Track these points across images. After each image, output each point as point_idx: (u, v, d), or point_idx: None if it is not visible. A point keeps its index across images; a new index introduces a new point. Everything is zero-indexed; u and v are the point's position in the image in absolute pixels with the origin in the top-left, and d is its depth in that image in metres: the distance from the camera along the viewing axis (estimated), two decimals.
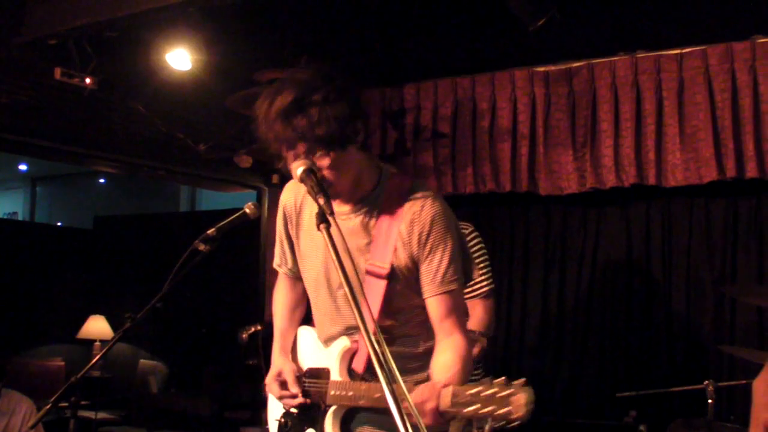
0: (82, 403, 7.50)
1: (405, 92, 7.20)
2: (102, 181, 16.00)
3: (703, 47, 6.32)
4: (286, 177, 3.17)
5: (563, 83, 6.69)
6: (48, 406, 3.09)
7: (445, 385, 2.70)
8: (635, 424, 5.72)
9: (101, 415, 8.58)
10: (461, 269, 3.19)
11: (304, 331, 3.59)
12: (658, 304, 6.63)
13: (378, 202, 3.24)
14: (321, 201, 2.73)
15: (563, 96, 6.69)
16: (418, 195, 3.18)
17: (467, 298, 4.81)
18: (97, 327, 10.06)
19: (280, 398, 3.44)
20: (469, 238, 4.88)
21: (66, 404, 5.91)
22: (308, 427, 3.33)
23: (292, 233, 3.45)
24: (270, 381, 3.46)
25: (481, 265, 4.87)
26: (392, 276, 3.16)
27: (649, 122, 6.41)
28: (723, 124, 6.21)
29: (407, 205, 3.18)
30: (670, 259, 6.66)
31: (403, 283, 3.17)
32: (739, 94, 6.21)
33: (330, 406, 3.23)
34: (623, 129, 6.48)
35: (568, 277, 6.91)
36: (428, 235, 3.14)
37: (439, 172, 7.02)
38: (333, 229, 2.66)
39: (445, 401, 2.69)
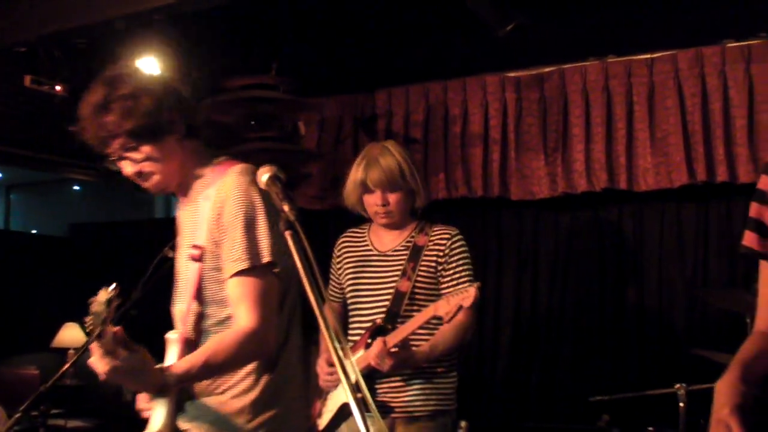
0: (54, 411, 7.41)
1: (377, 98, 7.15)
2: (76, 188, 15.87)
3: (673, 52, 6.31)
4: None
5: (534, 88, 6.67)
6: (18, 415, 3.06)
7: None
8: (608, 428, 5.69)
9: (73, 423, 8.48)
10: (258, 250, 3.11)
11: None
12: (631, 308, 6.60)
13: (204, 189, 3.25)
14: (286, 208, 2.68)
15: (534, 101, 6.66)
16: (228, 176, 3.16)
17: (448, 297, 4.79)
18: (71, 335, 9.93)
19: None
20: (450, 243, 4.83)
21: (36, 413, 5.84)
22: None
23: None
24: None
25: (465, 270, 4.83)
26: (203, 259, 3.17)
27: (620, 127, 6.39)
28: (693, 128, 6.19)
29: (215, 187, 3.17)
30: (642, 263, 6.62)
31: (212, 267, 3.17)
32: (710, 98, 6.19)
33: None
34: (594, 134, 6.46)
35: (540, 282, 6.86)
36: (223, 214, 3.13)
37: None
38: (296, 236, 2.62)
39: None
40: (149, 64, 6.48)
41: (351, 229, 5.11)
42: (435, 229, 4.88)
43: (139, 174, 3.20)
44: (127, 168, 3.17)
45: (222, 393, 3.20)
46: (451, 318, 4.45)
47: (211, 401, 3.19)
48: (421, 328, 4.58)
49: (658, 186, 6.31)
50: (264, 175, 2.83)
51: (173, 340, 3.22)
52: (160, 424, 3.12)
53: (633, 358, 6.51)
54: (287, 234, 2.60)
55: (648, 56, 6.38)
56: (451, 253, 4.78)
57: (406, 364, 4.60)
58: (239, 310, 3.09)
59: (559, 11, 6.44)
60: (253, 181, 3.12)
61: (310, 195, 7.30)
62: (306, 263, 2.48)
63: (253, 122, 6.20)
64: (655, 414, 5.71)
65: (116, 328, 2.89)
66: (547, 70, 6.66)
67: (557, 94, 6.61)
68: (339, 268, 5.04)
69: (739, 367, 2.54)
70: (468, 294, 4.43)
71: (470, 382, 6.56)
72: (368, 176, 4.72)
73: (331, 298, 5.09)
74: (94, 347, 2.83)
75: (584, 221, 6.80)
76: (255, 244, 3.10)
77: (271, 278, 3.16)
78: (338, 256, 5.06)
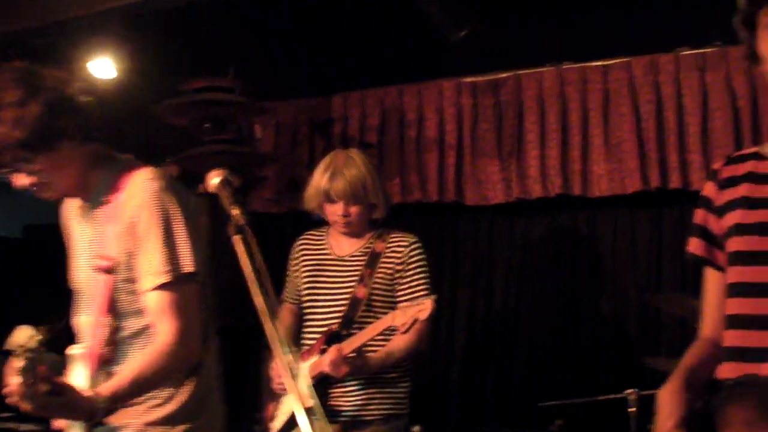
0: (5, 415, 7.32)
1: (333, 102, 7.13)
2: None
3: (628, 59, 6.33)
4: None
5: (490, 94, 6.66)
6: None
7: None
8: None
9: (26, 427, 8.39)
10: (178, 260, 3.04)
11: None
12: (584, 314, 6.60)
13: (107, 194, 3.15)
14: (235, 212, 2.66)
15: (490, 107, 6.65)
16: (138, 180, 3.08)
17: (403, 306, 4.79)
18: (25, 338, 9.87)
19: None
20: (409, 251, 4.84)
21: None
22: None
23: None
24: None
25: (421, 280, 4.83)
26: (114, 271, 3.08)
27: (575, 133, 6.40)
28: (647, 135, 6.21)
29: (125, 193, 3.09)
30: (595, 269, 6.64)
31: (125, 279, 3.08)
32: (664, 105, 6.22)
33: None
34: (549, 140, 6.46)
35: (495, 287, 6.85)
36: (138, 224, 3.05)
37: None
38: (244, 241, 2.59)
39: None
40: (105, 66, 6.44)
41: (310, 232, 5.10)
42: (393, 235, 4.89)
43: (36, 185, 3.07)
44: (22, 180, 3.04)
45: (140, 404, 3.11)
46: (407, 330, 4.46)
47: (129, 413, 3.09)
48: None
49: (611, 192, 6.33)
50: (214, 179, 2.80)
51: (78, 355, 3.12)
52: None
53: (586, 363, 6.51)
54: (237, 239, 2.57)
55: (603, 63, 6.39)
56: (408, 261, 4.79)
57: (361, 372, 4.61)
58: (161, 323, 3.01)
59: (515, 18, 6.44)
60: (167, 187, 3.07)
61: (266, 198, 7.27)
62: (255, 268, 2.45)
63: (208, 125, 6.16)
64: (607, 419, 5.74)
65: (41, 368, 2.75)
66: (503, 76, 6.65)
67: (513, 100, 6.60)
68: (296, 270, 5.03)
69: (684, 375, 2.56)
70: (424, 306, 4.44)
71: (424, 387, 6.54)
72: (332, 187, 4.72)
73: (288, 299, 5.09)
74: (14, 384, 2.71)
75: (539, 227, 6.80)
76: (175, 255, 3.02)
77: (193, 287, 3.10)
78: (295, 258, 5.06)
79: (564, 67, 6.50)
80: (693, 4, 5.88)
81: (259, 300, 2.38)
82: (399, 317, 4.47)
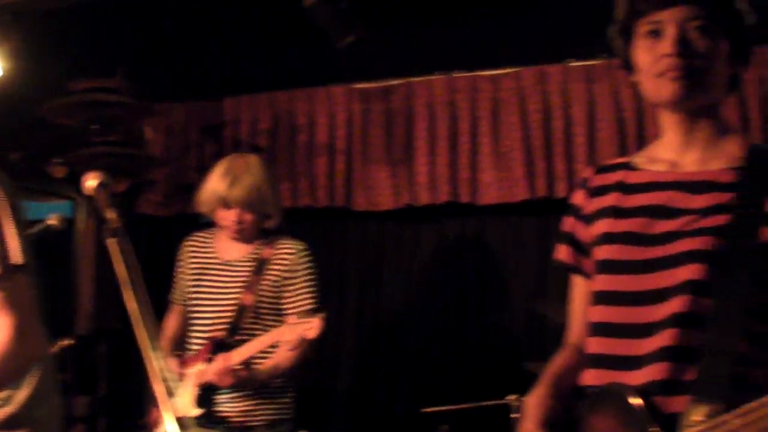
0: None
1: (224, 106, 7.05)
2: None
3: (517, 69, 6.38)
4: None
5: (381, 100, 6.66)
6: None
7: None
8: None
9: None
10: (6, 253, 2.93)
11: None
12: (471, 321, 6.62)
13: None
14: (111, 216, 2.61)
15: (380, 113, 6.64)
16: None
17: (288, 313, 4.78)
18: None
19: None
20: (296, 259, 4.88)
21: None
22: None
23: None
24: None
25: (308, 290, 4.83)
26: None
27: (464, 141, 6.41)
28: (535, 144, 6.26)
29: None
30: (483, 276, 6.67)
31: None
32: (552, 115, 6.28)
33: None
34: (438, 147, 6.47)
35: (383, 294, 6.84)
36: None
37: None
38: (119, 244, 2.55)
39: None
40: None
41: (197, 233, 5.08)
42: (282, 242, 4.90)
43: None
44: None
45: None
46: (294, 347, 4.46)
47: None
48: None
49: (499, 200, 6.36)
50: (90, 181, 2.75)
51: None
52: None
53: (472, 369, 6.53)
54: (112, 242, 2.53)
55: (493, 72, 6.44)
56: (295, 269, 4.81)
57: (247, 383, 4.61)
58: None
59: (406, 25, 6.46)
60: None
61: (155, 201, 7.17)
62: (130, 272, 2.42)
63: (96, 126, 6.06)
64: (490, 424, 5.77)
65: None
66: (393, 82, 6.66)
67: (403, 107, 6.61)
68: (182, 272, 5.00)
69: (549, 382, 2.60)
70: (312, 325, 4.45)
71: (311, 393, 6.53)
72: (230, 194, 4.71)
73: (176, 301, 5.07)
74: None
75: (427, 233, 6.80)
76: (3, 247, 2.91)
77: (26, 280, 2.97)
78: (182, 260, 5.03)
79: (454, 75, 6.52)
80: (581, 17, 5.94)
81: (131, 305, 2.34)
82: (287, 333, 4.48)
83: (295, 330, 4.47)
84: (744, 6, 2.51)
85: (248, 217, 4.77)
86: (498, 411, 5.35)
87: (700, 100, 2.47)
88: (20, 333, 2.88)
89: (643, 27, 2.46)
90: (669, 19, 2.41)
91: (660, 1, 2.42)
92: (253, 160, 4.87)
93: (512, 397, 5.23)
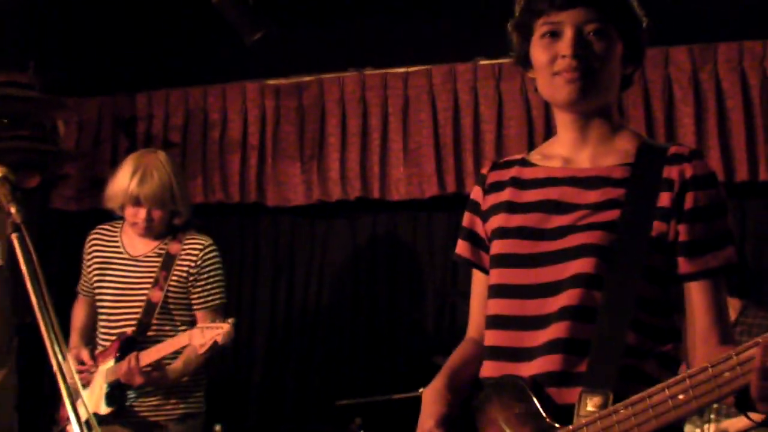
0: None
1: (137, 100, 6.99)
2: None
3: (428, 67, 6.41)
4: None
5: (293, 97, 6.65)
6: None
7: None
8: (359, 430, 5.77)
9: None
10: None
11: None
12: (382, 314, 6.66)
13: None
14: (12, 210, 2.59)
15: (293, 109, 6.63)
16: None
17: (197, 309, 4.77)
18: None
19: None
20: (203, 254, 4.82)
21: None
22: None
23: None
24: None
25: (216, 286, 4.81)
26: None
27: (375, 137, 6.44)
28: (445, 141, 6.31)
29: None
30: (394, 270, 6.70)
31: None
32: (461, 113, 6.32)
33: None
34: (350, 143, 6.49)
35: (296, 288, 6.83)
36: None
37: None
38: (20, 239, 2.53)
39: None
40: None
41: (102, 226, 5.03)
42: (188, 237, 4.86)
43: None
44: None
45: None
46: (205, 350, 4.46)
47: None
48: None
49: (410, 196, 6.40)
50: None
51: None
52: None
53: (384, 362, 6.58)
54: (13, 236, 2.51)
55: (404, 70, 6.46)
56: (203, 265, 4.77)
57: (157, 383, 4.59)
58: None
59: (319, 22, 6.47)
60: None
61: (68, 196, 7.07)
62: (30, 267, 2.40)
63: (5, 120, 5.99)
64: (402, 416, 5.79)
65: None
66: (306, 79, 6.65)
67: (315, 104, 6.61)
68: (88, 265, 4.95)
69: (447, 375, 2.62)
70: (222, 330, 4.43)
71: (225, 386, 6.53)
72: (140, 191, 4.65)
73: (82, 291, 5.03)
74: None
75: (339, 229, 6.82)
76: None
77: None
78: (87, 253, 4.98)
79: (366, 72, 6.54)
80: (491, 16, 5.98)
81: (33, 299, 2.33)
82: (197, 337, 4.45)
83: (206, 334, 4.44)
84: (639, 10, 2.54)
85: (158, 214, 4.72)
86: (410, 403, 5.36)
87: (594, 101, 2.50)
88: None
89: (541, 27, 2.48)
90: (567, 21, 2.44)
91: (559, 2, 2.44)
92: (162, 157, 4.81)
93: (422, 390, 5.22)
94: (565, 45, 2.44)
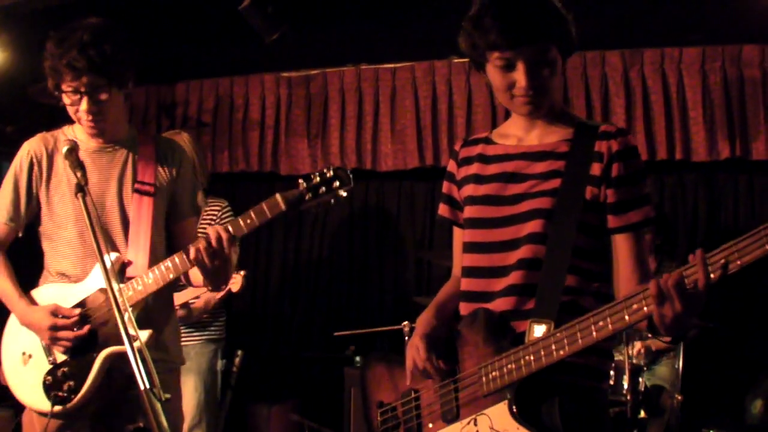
0: None
1: (176, 89, 6.99)
2: None
3: (411, 63, 6.43)
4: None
5: (302, 87, 6.66)
6: None
7: None
8: (353, 355, 5.86)
9: None
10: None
11: (43, 291, 3.19)
12: (372, 264, 6.70)
13: (135, 142, 3.17)
14: (79, 174, 2.60)
15: (302, 97, 6.65)
16: (169, 137, 3.32)
17: None
18: None
19: (56, 335, 3.00)
20: (221, 213, 4.89)
21: None
22: (76, 379, 3.02)
23: (39, 183, 3.17)
24: (46, 323, 3.03)
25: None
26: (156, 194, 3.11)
27: (368, 120, 6.47)
28: (424, 123, 6.35)
29: (162, 142, 3.23)
30: (382, 228, 6.74)
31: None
32: (438, 101, 6.35)
33: (101, 351, 3.00)
34: (348, 125, 6.51)
35: (302, 241, 6.85)
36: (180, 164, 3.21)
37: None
38: (88, 198, 2.54)
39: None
40: None
41: None
42: (209, 201, 4.88)
43: None
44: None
45: None
46: (222, 296, 4.52)
47: None
48: None
49: (396, 167, 6.44)
50: (64, 147, 2.76)
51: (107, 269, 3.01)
52: None
53: (373, 302, 6.64)
54: (78, 196, 2.52)
55: (392, 65, 6.48)
56: (221, 223, 4.79)
57: (184, 320, 4.67)
58: None
59: (325, 26, 6.43)
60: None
61: None
62: (90, 220, 2.40)
63: None
64: (388, 345, 5.86)
65: None
66: (313, 72, 6.65)
67: (320, 92, 6.62)
68: None
69: (434, 307, 2.68)
70: (235, 281, 4.49)
71: (245, 318, 6.57)
72: None
73: None
74: None
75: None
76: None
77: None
78: None
79: (362, 67, 6.55)
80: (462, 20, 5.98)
81: (96, 248, 2.34)
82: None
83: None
84: (572, 27, 2.48)
85: None
86: (394, 335, 5.40)
87: (545, 109, 2.51)
88: None
89: (495, 60, 2.42)
90: (519, 56, 2.39)
91: (511, 41, 2.37)
92: (185, 137, 4.80)
93: (405, 323, 5.27)
94: (520, 77, 2.40)
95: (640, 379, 4.92)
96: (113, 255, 3.01)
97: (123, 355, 2.23)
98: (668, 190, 6.12)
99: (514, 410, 2.30)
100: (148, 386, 1.95)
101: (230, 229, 2.90)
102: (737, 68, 5.82)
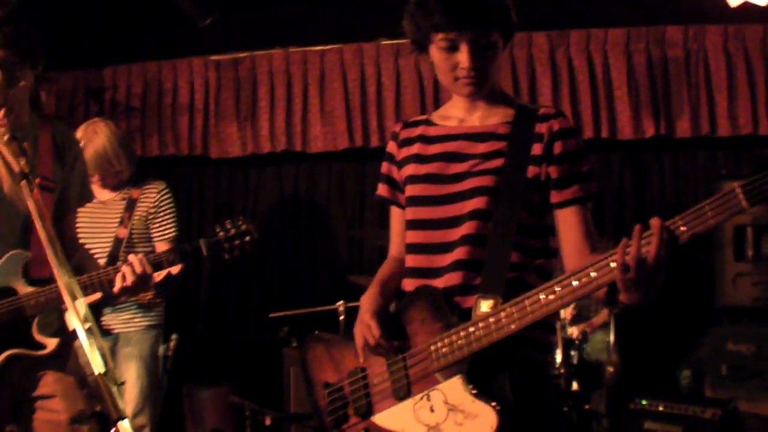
0: None
1: (104, 73, 6.84)
2: None
3: (340, 46, 6.40)
4: None
5: (231, 70, 6.58)
6: None
7: None
8: (288, 337, 5.81)
9: None
10: None
11: None
12: (305, 244, 6.68)
13: (35, 130, 3.05)
14: (22, 162, 2.53)
15: (231, 80, 6.56)
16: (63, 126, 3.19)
17: (156, 241, 4.72)
18: None
19: None
20: (159, 196, 4.79)
21: None
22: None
23: None
24: None
25: (170, 221, 4.77)
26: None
27: (297, 102, 6.43)
28: (354, 105, 6.35)
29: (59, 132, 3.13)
30: (314, 210, 6.72)
31: None
32: (367, 83, 6.35)
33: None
34: (277, 107, 6.46)
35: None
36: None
37: (130, 139, 6.80)
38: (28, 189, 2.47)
39: None
40: None
41: None
42: (147, 184, 4.82)
43: None
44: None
45: None
46: (162, 278, 4.43)
47: None
48: None
49: (326, 149, 6.41)
50: (4, 136, 2.68)
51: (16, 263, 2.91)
52: None
53: (307, 282, 6.63)
54: (22, 184, 2.45)
55: (320, 48, 6.44)
56: (159, 205, 4.74)
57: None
58: None
59: (253, 9, 6.40)
60: None
61: None
62: (36, 207, 2.34)
63: None
64: (322, 326, 5.84)
65: None
66: (241, 55, 6.58)
67: (249, 75, 6.55)
68: None
69: (378, 285, 2.69)
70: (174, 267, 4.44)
71: (179, 303, 6.50)
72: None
73: None
74: None
75: (269, 176, 6.78)
76: None
77: None
78: None
79: (290, 50, 6.51)
80: (391, 3, 5.97)
81: (43, 236, 2.28)
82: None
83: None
84: (512, 12, 2.50)
85: (95, 176, 4.64)
86: (328, 315, 5.40)
87: (486, 90, 2.53)
88: None
89: (439, 41, 2.45)
90: (463, 38, 2.41)
91: (455, 22, 2.40)
92: (100, 127, 4.71)
93: (339, 303, 5.28)
94: (463, 58, 2.43)
95: (572, 353, 5.02)
96: (18, 251, 2.94)
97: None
98: (594, 168, 6.20)
99: (469, 384, 2.32)
100: (103, 370, 1.91)
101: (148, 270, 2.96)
102: (661, 49, 5.93)
